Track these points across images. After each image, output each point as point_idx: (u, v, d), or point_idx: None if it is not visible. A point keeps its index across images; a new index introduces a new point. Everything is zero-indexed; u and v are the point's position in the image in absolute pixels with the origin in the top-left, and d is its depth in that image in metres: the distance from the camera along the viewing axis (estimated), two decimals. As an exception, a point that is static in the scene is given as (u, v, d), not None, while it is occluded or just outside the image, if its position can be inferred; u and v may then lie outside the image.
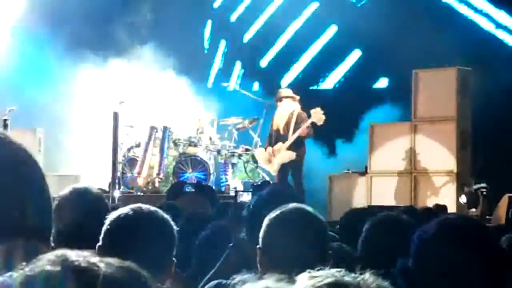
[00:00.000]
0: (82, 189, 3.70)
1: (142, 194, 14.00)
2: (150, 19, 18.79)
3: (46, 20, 17.66)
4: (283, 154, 13.30)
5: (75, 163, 16.42)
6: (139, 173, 14.26)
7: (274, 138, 13.56)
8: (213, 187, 13.63)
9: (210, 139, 14.63)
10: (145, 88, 16.06)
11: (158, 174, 14.25)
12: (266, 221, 3.06)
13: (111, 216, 2.99)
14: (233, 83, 17.28)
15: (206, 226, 4.73)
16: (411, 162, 13.71)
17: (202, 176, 14.04)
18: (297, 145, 13.31)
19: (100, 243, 2.91)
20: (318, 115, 13.19)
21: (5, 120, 14.34)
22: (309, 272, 1.37)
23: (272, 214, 3.06)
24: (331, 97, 17.76)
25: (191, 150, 14.43)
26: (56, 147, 16.60)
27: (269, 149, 13.53)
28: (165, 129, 14.44)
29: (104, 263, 1.17)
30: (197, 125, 14.72)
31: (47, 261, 1.15)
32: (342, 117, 16.12)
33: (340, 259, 3.05)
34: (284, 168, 13.33)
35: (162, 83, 16.48)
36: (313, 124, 13.17)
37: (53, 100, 17.01)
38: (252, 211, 3.75)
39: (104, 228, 2.95)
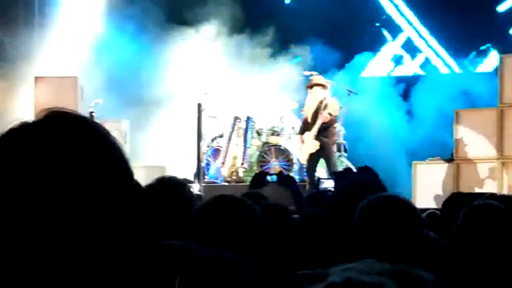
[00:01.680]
0: (168, 179, 3.73)
1: (226, 184, 14.08)
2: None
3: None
4: (309, 143, 13.22)
5: (160, 154, 16.59)
6: (223, 163, 14.35)
7: (304, 126, 13.49)
8: (297, 176, 13.67)
9: (293, 128, 14.61)
10: (229, 78, 16.12)
11: (242, 164, 14.29)
12: (360, 209, 3.03)
13: (198, 205, 3.00)
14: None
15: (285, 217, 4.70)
16: (498, 148, 13.43)
17: (286, 165, 14.04)
18: (322, 134, 13.18)
19: (187, 231, 2.93)
20: (334, 105, 13.26)
21: (91, 113, 14.58)
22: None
23: (366, 202, 3.03)
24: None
25: (274, 139, 14.43)
26: (142, 138, 16.82)
27: (300, 137, 13.49)
28: (248, 119, 14.48)
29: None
30: (280, 114, 14.72)
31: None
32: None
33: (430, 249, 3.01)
34: (312, 156, 13.22)
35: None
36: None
37: (138, 92, 17.24)
38: (336, 199, 3.72)
39: (193, 216, 2.96)
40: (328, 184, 5.09)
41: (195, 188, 13.01)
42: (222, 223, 2.90)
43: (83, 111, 15.70)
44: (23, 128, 1.40)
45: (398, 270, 1.39)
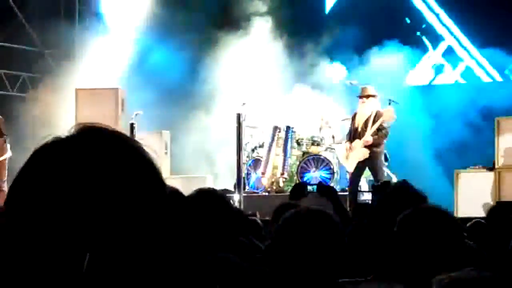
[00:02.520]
0: (207, 191, 3.74)
1: (266, 194, 14.08)
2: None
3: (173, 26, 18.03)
4: (358, 151, 13.15)
5: (201, 164, 16.66)
6: (263, 173, 14.35)
7: (353, 135, 13.42)
8: (337, 186, 13.63)
9: (333, 137, 14.58)
10: (268, 88, 16.15)
11: (282, 173, 14.29)
12: (401, 219, 3.02)
13: (284, 216, 2.98)
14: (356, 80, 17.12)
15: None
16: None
17: (326, 175, 14.01)
18: (372, 144, 13.13)
19: (269, 244, 2.92)
20: (389, 113, 13.12)
21: (131, 124, 14.67)
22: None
23: (406, 213, 3.02)
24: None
25: (314, 149, 14.41)
26: (183, 149, 16.90)
27: (347, 145, 13.40)
28: (288, 128, 14.48)
29: None
30: (320, 123, 14.70)
31: None
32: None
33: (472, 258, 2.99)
34: (360, 165, 13.16)
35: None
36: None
37: (178, 104, 17.32)
38: (376, 210, 3.72)
39: (275, 230, 2.94)
40: (367, 197, 5.06)
41: (235, 199, 13.05)
42: (308, 237, 2.85)
43: (124, 122, 15.86)
44: (55, 144, 1.42)
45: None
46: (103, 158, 1.39)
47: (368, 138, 13.03)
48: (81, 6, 20.37)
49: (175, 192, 3.01)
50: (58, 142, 1.42)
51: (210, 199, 3.54)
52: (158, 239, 1.43)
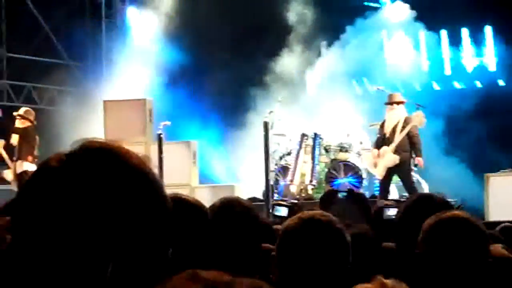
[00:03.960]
0: (231, 200, 3.69)
1: (295, 201, 14.03)
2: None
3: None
4: (388, 157, 13.07)
5: (229, 173, 16.66)
6: (291, 181, 14.32)
7: (380, 141, 13.34)
8: (366, 192, 13.56)
9: (361, 143, 14.51)
10: (295, 95, 16.12)
11: (311, 181, 14.25)
12: (424, 228, 2.97)
13: (284, 225, 2.94)
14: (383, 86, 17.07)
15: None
16: None
17: (355, 182, 13.95)
18: (402, 149, 13.07)
19: (274, 253, 2.87)
20: (418, 118, 13.08)
21: (159, 135, 14.69)
22: None
23: (431, 221, 2.96)
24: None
25: (342, 155, 14.36)
26: (211, 158, 16.91)
27: (375, 152, 13.32)
28: (315, 135, 14.44)
29: None
30: (347, 130, 14.64)
31: None
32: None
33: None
34: (389, 171, 13.09)
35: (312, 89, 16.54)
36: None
37: (206, 113, 17.36)
38: (402, 218, 3.66)
39: (279, 235, 2.91)
40: (392, 213, 5.01)
41: (265, 207, 12.99)
42: (309, 246, 2.81)
43: (152, 133, 15.90)
44: (57, 160, 1.45)
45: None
46: (99, 177, 1.42)
47: (419, 162, 13.02)
48: (107, 18, 20.48)
49: (194, 205, 2.99)
50: (59, 160, 1.44)
51: (233, 209, 3.50)
52: (158, 249, 1.44)
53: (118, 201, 1.41)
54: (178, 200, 2.97)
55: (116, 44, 20.38)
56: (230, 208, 3.56)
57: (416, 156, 13.10)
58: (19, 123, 14.53)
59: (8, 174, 14.33)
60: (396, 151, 13.08)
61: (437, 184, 13.67)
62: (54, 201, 1.39)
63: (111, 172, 1.43)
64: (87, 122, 17.65)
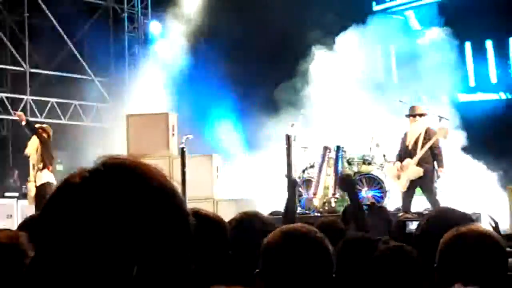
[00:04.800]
0: (250, 216, 3.68)
1: (318, 214, 13.99)
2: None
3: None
4: (411, 170, 13.00)
5: (251, 187, 16.64)
6: (314, 194, 14.28)
7: (403, 154, 13.28)
8: (389, 205, 13.49)
9: (384, 156, 14.46)
10: (318, 108, 16.11)
11: (334, 194, 14.20)
12: (443, 241, 2.96)
13: (266, 240, 2.92)
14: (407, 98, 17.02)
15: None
16: None
17: (378, 194, 13.88)
18: (425, 162, 13.00)
19: (258, 270, 2.86)
20: (443, 131, 13.04)
21: (182, 148, 14.71)
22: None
23: (450, 234, 2.95)
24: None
25: (365, 168, 14.30)
26: (233, 172, 16.91)
27: (398, 164, 13.26)
28: (338, 148, 14.40)
29: None
30: (370, 142, 14.59)
31: None
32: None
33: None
34: (412, 184, 13.03)
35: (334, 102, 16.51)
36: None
37: (228, 126, 17.38)
38: (423, 231, 3.64)
39: (261, 249, 2.89)
40: (415, 226, 4.97)
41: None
42: (292, 258, 2.81)
43: (175, 147, 15.93)
44: (80, 177, 1.46)
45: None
46: (121, 194, 1.43)
47: (443, 170, 12.97)
48: (130, 33, 20.59)
49: (214, 221, 2.98)
50: (82, 177, 1.46)
51: (252, 224, 3.49)
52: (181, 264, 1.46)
53: (140, 219, 1.42)
54: (199, 216, 2.96)
55: (139, 58, 20.48)
56: (249, 223, 3.55)
57: (439, 167, 13.04)
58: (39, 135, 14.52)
59: (31, 186, 14.33)
60: (419, 164, 13.02)
61: (460, 197, 13.59)
62: (76, 218, 1.41)
63: (133, 189, 1.43)
64: (110, 136, 17.73)
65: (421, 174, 12.94)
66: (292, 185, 6.37)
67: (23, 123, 14.29)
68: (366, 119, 15.90)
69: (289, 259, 2.76)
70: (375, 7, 19.84)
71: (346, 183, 6.55)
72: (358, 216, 6.16)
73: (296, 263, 2.75)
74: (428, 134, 13.12)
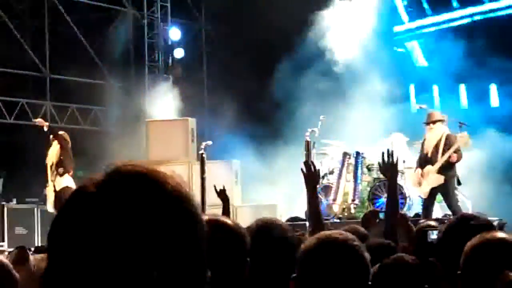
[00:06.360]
0: (268, 222, 3.65)
1: (338, 221, 13.95)
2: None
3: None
4: (432, 177, 12.93)
5: (271, 192, 16.62)
6: (334, 200, 14.25)
7: (423, 160, 13.21)
8: (410, 212, 13.44)
9: (404, 162, 14.38)
10: (337, 115, 16.07)
11: (353, 200, 14.16)
12: (468, 247, 2.93)
13: (303, 246, 2.93)
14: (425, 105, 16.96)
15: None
16: None
17: (398, 201, 13.81)
18: (446, 169, 12.93)
19: (294, 275, 2.87)
20: (464, 139, 13.02)
21: (201, 154, 14.74)
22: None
23: (475, 241, 2.92)
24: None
25: (385, 174, 14.23)
26: (253, 177, 16.89)
27: (419, 171, 13.19)
28: (357, 154, 14.36)
29: None
30: (390, 147, 14.52)
31: None
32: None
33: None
34: (433, 191, 12.96)
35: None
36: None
37: (248, 132, 17.37)
38: (444, 238, 3.61)
39: (298, 256, 2.90)
40: (435, 234, 4.93)
41: (307, 227, 12.94)
42: (331, 266, 2.81)
43: (195, 153, 15.95)
44: (94, 185, 1.45)
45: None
46: (135, 203, 1.42)
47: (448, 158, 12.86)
48: (149, 38, 20.65)
49: (233, 229, 2.96)
50: (96, 185, 1.45)
51: (269, 231, 3.47)
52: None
53: (154, 226, 1.40)
54: (218, 224, 2.94)
55: (159, 63, 20.52)
56: (266, 230, 3.53)
57: (446, 160, 12.89)
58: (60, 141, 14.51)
59: (50, 192, 14.36)
60: (440, 171, 12.96)
61: (481, 203, 13.51)
62: (91, 227, 1.39)
63: (148, 197, 1.42)
64: (130, 142, 17.76)
65: (442, 181, 12.87)
66: (312, 181, 6.01)
67: (45, 128, 14.34)
68: (385, 125, 15.85)
69: (326, 267, 2.79)
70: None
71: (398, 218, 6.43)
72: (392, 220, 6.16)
73: (333, 271, 2.78)
74: (448, 140, 13.05)
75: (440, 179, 12.89)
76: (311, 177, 5.90)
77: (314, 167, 5.98)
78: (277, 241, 3.36)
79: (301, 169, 6.11)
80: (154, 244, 1.39)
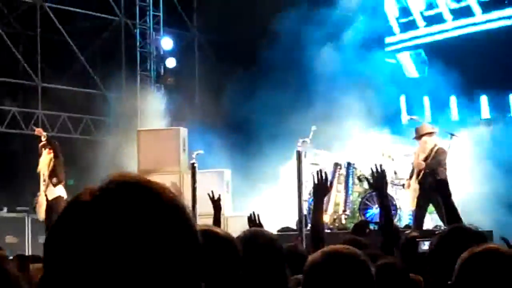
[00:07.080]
0: (255, 232, 3.67)
1: (328, 231, 13.95)
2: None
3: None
4: (416, 188, 12.94)
5: (261, 203, 16.61)
6: (325, 211, 14.23)
7: (413, 173, 13.22)
8: (401, 223, 13.45)
9: (395, 173, 14.41)
10: (326, 125, 16.09)
11: (344, 210, 14.17)
12: (461, 259, 2.94)
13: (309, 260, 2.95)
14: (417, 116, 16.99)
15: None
16: None
17: (389, 211, 13.83)
18: (426, 178, 12.91)
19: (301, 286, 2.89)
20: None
21: (193, 164, 14.73)
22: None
23: (468, 253, 2.93)
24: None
25: (376, 185, 14.25)
26: (244, 187, 16.88)
27: (407, 183, 13.24)
28: (348, 165, 14.38)
29: None
30: (381, 158, 14.55)
31: None
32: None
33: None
34: (424, 201, 12.94)
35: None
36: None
37: (239, 142, 17.37)
38: (436, 249, 3.62)
39: (304, 270, 2.92)
40: (427, 246, 4.94)
41: (300, 237, 12.92)
42: (334, 279, 2.82)
43: (186, 162, 15.94)
44: (90, 195, 1.46)
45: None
46: (131, 213, 1.43)
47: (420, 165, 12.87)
48: (141, 48, 20.66)
49: (224, 239, 2.98)
50: (92, 195, 1.46)
51: (257, 241, 3.49)
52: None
53: (150, 237, 1.41)
54: (209, 234, 2.96)
55: (151, 73, 20.53)
56: (253, 240, 3.55)
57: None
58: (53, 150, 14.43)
59: (42, 200, 14.30)
60: (420, 181, 12.96)
61: (471, 215, 13.53)
62: (86, 237, 1.40)
63: (144, 207, 1.43)
64: (121, 151, 17.75)
65: (423, 166, 12.82)
66: (322, 190, 5.92)
67: (43, 138, 14.28)
68: (377, 136, 15.87)
69: (332, 281, 2.80)
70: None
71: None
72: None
73: (340, 284, 2.77)
74: (436, 154, 12.98)
75: (416, 189, 12.90)
76: (321, 186, 5.89)
77: (326, 176, 5.97)
78: (264, 250, 3.38)
79: (312, 178, 6.10)
80: (150, 254, 1.40)
